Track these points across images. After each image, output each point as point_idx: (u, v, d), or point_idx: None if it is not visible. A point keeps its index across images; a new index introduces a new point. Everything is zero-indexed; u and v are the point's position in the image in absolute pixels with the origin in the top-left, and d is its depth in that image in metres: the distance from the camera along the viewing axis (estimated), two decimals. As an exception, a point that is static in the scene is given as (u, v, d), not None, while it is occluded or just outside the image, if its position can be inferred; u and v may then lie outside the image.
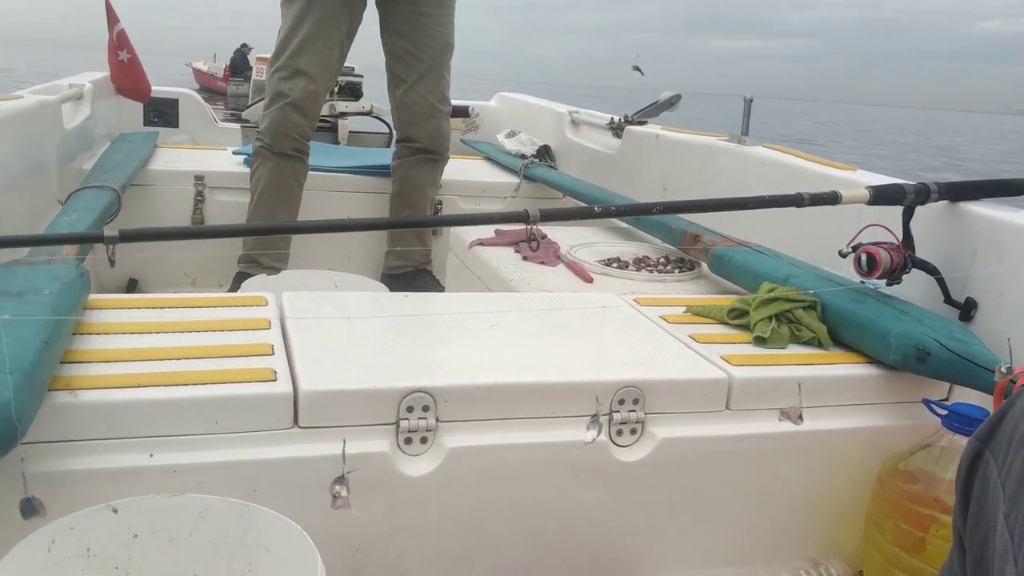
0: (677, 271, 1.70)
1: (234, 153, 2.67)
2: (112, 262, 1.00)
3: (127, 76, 3.34)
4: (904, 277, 1.30)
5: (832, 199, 1.33)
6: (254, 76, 3.65)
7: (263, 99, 3.45)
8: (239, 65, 21.78)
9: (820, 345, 1.24)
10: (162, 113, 3.33)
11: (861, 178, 1.58)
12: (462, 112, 3.27)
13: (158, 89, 3.32)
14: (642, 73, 3.75)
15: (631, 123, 2.52)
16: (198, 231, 2.05)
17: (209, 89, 22.43)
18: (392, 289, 1.76)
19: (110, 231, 1.02)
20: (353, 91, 3.52)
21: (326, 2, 2.12)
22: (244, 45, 22.26)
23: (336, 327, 1.14)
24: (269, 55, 3.53)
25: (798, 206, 1.32)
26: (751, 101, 2.10)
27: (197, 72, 25.46)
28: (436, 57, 2.26)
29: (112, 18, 3.44)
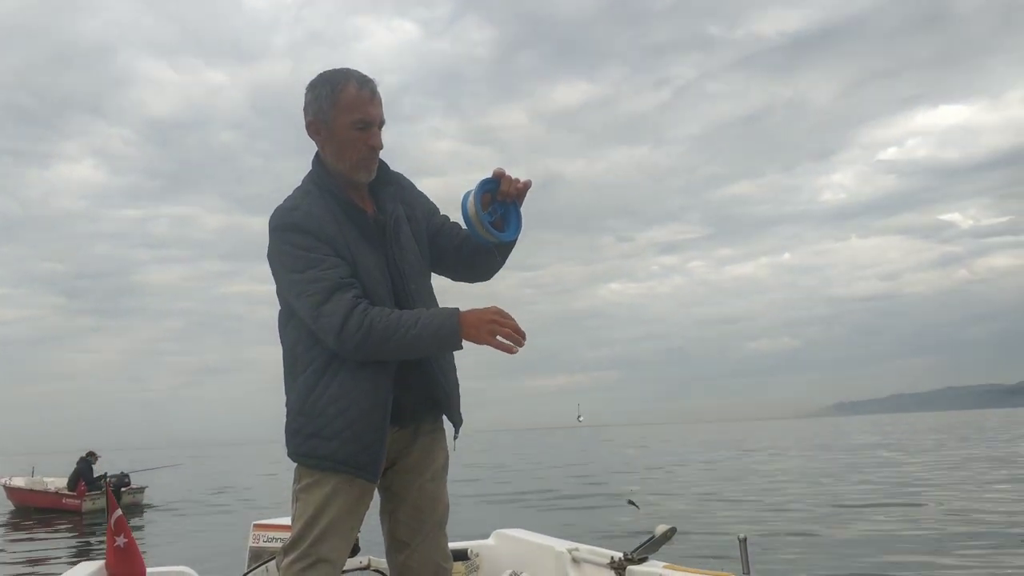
0: None
1: None
2: None
3: (122, 561, 3.38)
4: None
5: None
6: (250, 543, 3.65)
7: (261, 565, 3.44)
8: (87, 476, 19.19)
9: None
10: None
11: None
12: (461, 555, 3.29)
13: (152, 571, 3.33)
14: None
15: (632, 561, 2.57)
16: None
17: (44, 509, 19.02)
18: None
19: None
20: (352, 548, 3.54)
21: (352, 489, 2.14)
22: (91, 453, 19.72)
23: None
24: (264, 523, 3.58)
25: None
26: (745, 540, 2.19)
27: (12, 491, 20.24)
28: (439, 519, 2.30)
29: (112, 506, 3.56)
